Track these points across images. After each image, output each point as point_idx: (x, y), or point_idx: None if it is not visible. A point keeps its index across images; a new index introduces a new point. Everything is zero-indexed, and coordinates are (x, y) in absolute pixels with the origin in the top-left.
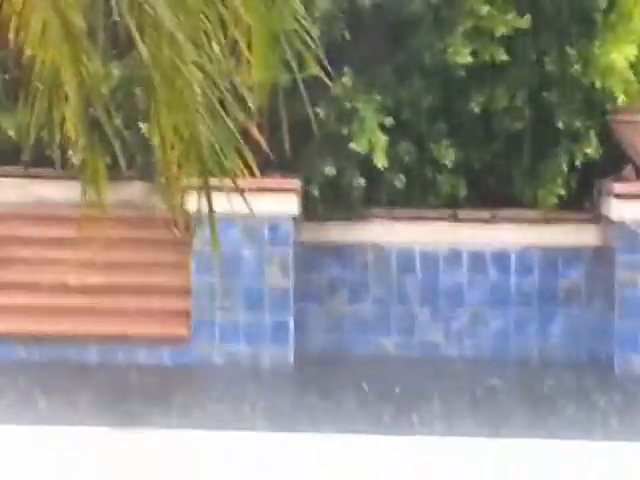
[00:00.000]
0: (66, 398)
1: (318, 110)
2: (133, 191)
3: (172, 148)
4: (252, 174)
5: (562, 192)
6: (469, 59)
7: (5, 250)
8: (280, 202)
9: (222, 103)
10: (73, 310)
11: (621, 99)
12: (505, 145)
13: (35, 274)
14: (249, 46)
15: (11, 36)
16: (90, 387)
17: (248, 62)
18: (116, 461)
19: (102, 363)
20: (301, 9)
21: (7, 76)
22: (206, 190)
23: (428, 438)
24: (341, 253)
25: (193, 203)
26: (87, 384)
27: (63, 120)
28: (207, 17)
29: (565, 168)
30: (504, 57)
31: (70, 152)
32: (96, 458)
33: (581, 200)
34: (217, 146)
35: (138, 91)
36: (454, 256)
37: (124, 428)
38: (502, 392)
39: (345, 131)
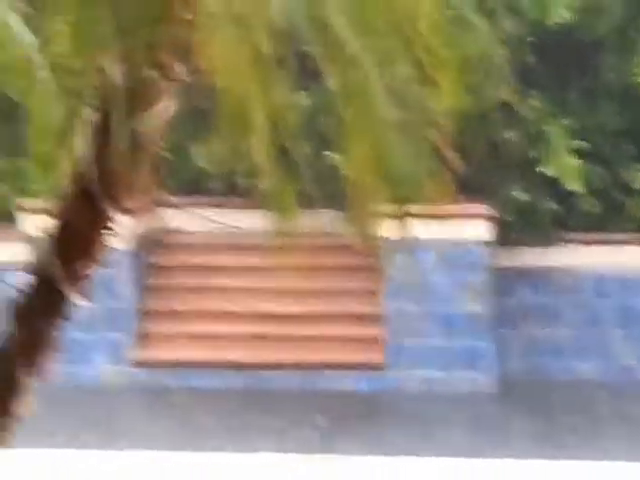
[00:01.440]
0: (265, 425)
1: (507, 134)
2: (323, 219)
3: (362, 175)
4: (448, 199)
5: None
6: None
7: (201, 279)
8: (472, 227)
9: (413, 127)
10: (270, 338)
11: None
12: None
13: (231, 302)
14: (436, 70)
15: (200, 64)
16: (288, 414)
17: (435, 86)
18: None
19: (302, 390)
20: (490, 33)
21: (195, 105)
22: (401, 216)
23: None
24: (534, 277)
25: (384, 229)
26: (287, 410)
27: (251, 149)
28: (393, 41)
29: None
30: None
31: (259, 181)
32: None
33: None
34: (410, 171)
35: (326, 119)
36: None
37: (320, 454)
38: None
39: (533, 154)
